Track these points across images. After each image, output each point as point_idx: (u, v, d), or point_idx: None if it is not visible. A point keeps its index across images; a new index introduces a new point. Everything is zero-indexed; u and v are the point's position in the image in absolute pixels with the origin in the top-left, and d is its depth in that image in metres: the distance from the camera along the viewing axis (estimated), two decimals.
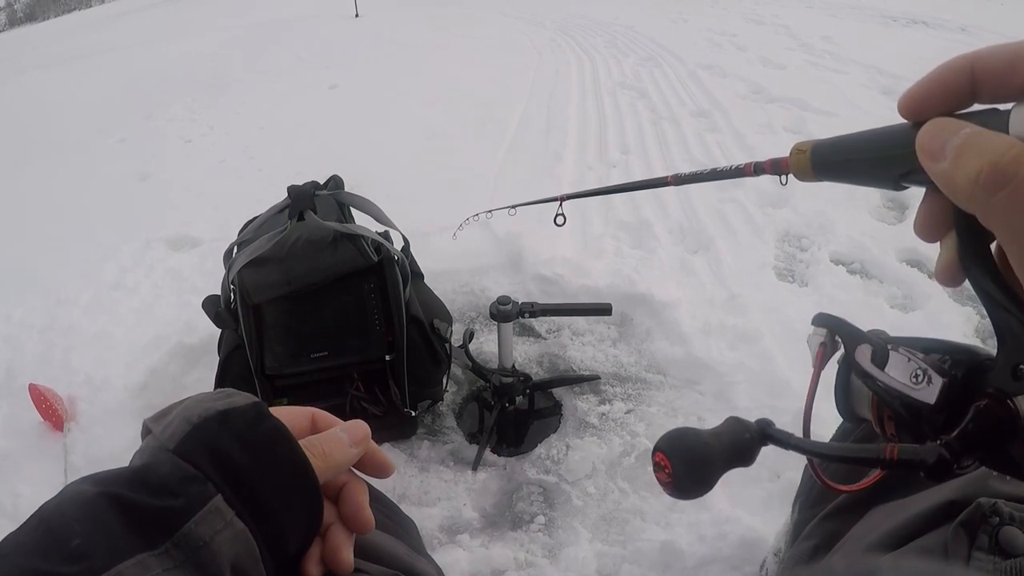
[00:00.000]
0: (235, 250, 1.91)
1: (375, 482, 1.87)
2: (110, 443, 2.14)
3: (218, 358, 1.98)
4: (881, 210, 3.26)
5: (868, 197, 3.31)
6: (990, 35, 7.58)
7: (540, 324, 2.55)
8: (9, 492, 2.04)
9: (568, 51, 7.57)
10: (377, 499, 0.87)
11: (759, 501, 1.84)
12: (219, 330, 2.02)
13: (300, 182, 2.02)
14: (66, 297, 2.90)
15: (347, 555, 0.53)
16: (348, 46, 8.96)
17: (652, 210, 3.29)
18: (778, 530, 1.24)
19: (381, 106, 5.49)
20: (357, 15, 12.31)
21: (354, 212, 2.07)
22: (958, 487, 0.63)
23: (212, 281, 2.01)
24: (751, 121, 4.44)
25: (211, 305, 1.87)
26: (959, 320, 2.48)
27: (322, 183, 2.07)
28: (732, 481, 1.88)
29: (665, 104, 5.05)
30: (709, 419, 2.13)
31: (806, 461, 0.96)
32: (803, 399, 2.04)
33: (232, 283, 1.81)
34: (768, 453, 1.71)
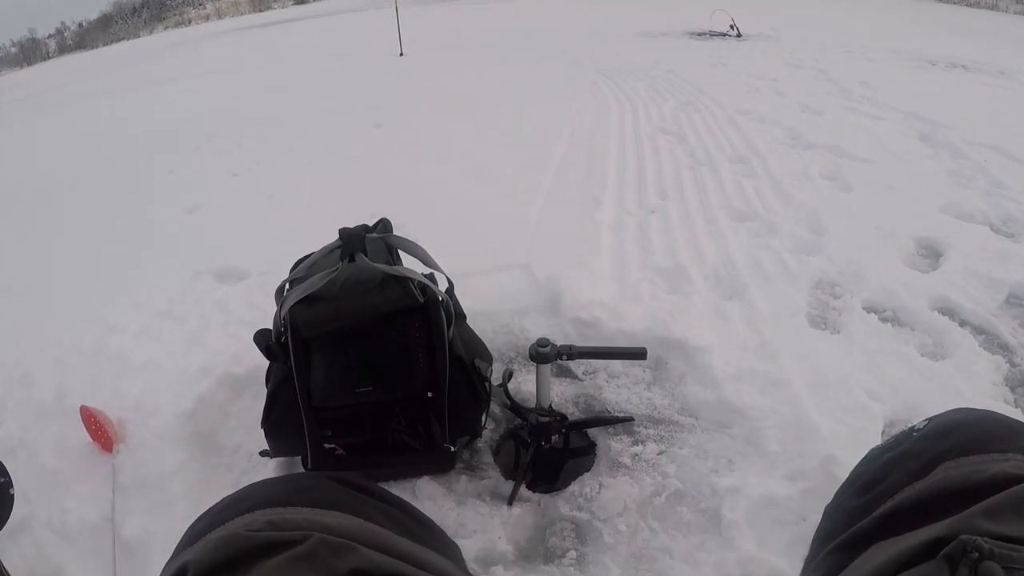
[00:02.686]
0: (287, 287, 2.02)
1: (421, 506, 1.96)
2: (158, 466, 2.24)
3: (264, 389, 2.08)
4: (915, 258, 3.30)
5: (902, 244, 3.35)
6: None
7: (577, 366, 2.62)
8: (58, 508, 2.14)
9: (609, 94, 7.68)
10: (421, 521, 0.95)
11: (785, 543, 1.89)
12: (267, 362, 2.11)
13: (345, 218, 2.12)
14: (116, 325, 3.01)
15: None
16: (393, 85, 9.13)
17: (688, 255, 3.36)
18: None
19: (424, 145, 5.61)
20: (401, 54, 12.53)
21: (402, 254, 2.17)
22: (946, 525, 0.70)
23: (259, 314, 2.07)
24: (788, 168, 4.51)
25: (262, 339, 1.98)
26: (988, 369, 2.51)
27: (371, 225, 2.18)
28: (758, 523, 1.95)
29: (704, 149, 5.13)
30: (739, 462, 2.18)
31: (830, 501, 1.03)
32: (831, 445, 2.09)
33: (284, 318, 1.91)
34: (795, 496, 1.78)
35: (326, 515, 0.78)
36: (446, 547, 0.94)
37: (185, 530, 0.81)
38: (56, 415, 2.49)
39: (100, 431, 2.30)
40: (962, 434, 0.85)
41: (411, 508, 0.94)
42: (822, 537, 0.96)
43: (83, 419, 2.31)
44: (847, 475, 1.03)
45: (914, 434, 0.91)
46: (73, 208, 4.96)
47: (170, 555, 0.78)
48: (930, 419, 0.94)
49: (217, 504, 0.81)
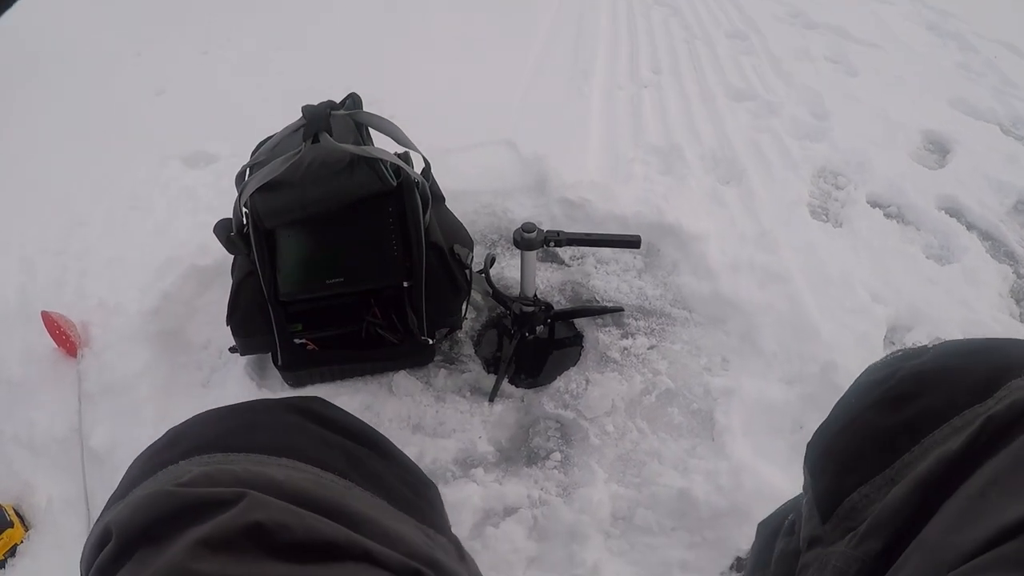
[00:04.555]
0: (247, 172, 1.82)
1: (398, 403, 1.82)
2: (123, 369, 2.09)
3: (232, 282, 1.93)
4: (922, 152, 3.14)
5: (909, 137, 3.18)
6: None
7: (564, 251, 2.47)
8: (24, 420, 2.01)
9: None
10: (402, 464, 0.80)
11: (779, 452, 1.81)
12: None
13: (320, 98, 1.92)
14: (81, 218, 2.79)
15: None
16: None
17: (684, 135, 3.17)
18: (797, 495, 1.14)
19: (402, 19, 5.29)
20: None
21: (373, 133, 1.97)
22: None
23: (227, 200, 1.92)
24: (788, 46, 4.25)
25: (223, 230, 1.79)
26: (995, 278, 2.41)
27: (339, 102, 1.96)
28: (753, 429, 1.86)
29: (699, 23, 4.85)
30: (734, 360, 2.07)
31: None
32: (832, 349, 1.99)
33: (244, 207, 1.73)
34: (792, 401, 1.65)
35: (272, 465, 0.63)
36: (417, 493, 0.79)
37: (146, 446, 0.69)
38: (20, 321, 2.31)
39: (63, 336, 2.14)
40: (1009, 352, 0.69)
41: (381, 442, 0.78)
42: (843, 458, 0.79)
43: (45, 325, 2.15)
44: (847, 383, 0.86)
45: (931, 349, 0.75)
46: (35, 96, 4.66)
47: None
48: (939, 341, 0.78)
49: (158, 441, 0.68)
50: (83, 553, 0.61)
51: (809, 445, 0.84)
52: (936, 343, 0.77)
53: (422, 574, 0.60)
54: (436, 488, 0.86)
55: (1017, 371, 0.65)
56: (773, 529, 1.04)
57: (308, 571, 0.54)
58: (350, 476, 0.67)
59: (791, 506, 1.06)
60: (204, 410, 0.74)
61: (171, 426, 0.73)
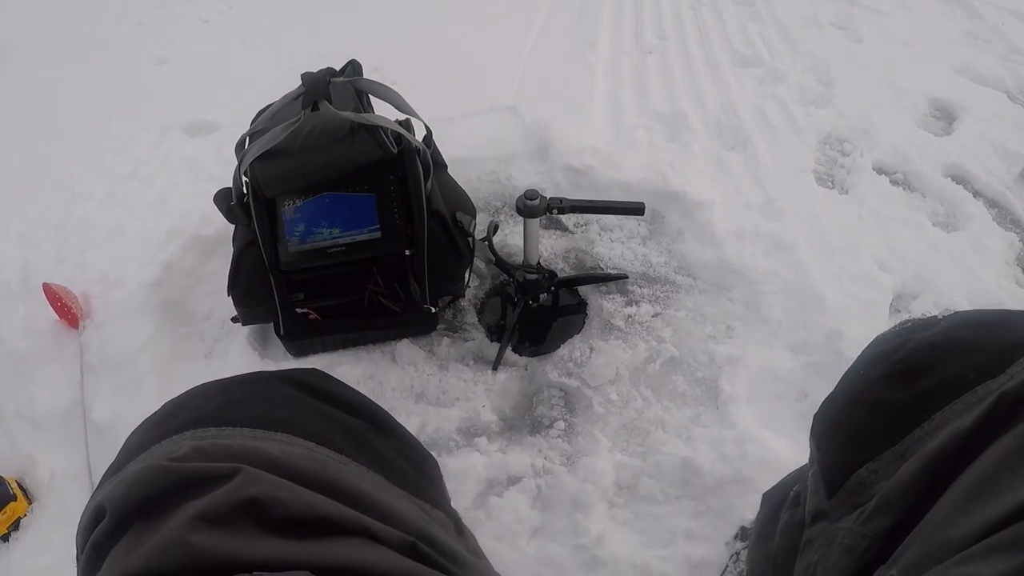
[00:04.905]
0: (247, 141, 1.80)
1: (401, 372, 1.82)
2: (124, 341, 2.08)
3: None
4: (928, 119, 3.10)
5: (915, 104, 3.14)
6: None
7: (568, 218, 2.45)
8: (27, 393, 2.01)
9: None
10: (401, 438, 0.79)
11: (785, 421, 1.80)
12: None
13: (321, 65, 1.89)
14: (82, 191, 2.76)
15: None
16: None
17: (689, 101, 3.13)
18: (802, 466, 1.12)
19: None
20: None
21: (373, 100, 1.95)
22: None
23: (228, 169, 1.90)
24: (796, 13, 4.19)
25: (223, 200, 1.77)
26: (1001, 246, 2.39)
27: (339, 69, 1.94)
28: (758, 398, 1.84)
29: None
30: (739, 328, 2.06)
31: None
32: (837, 318, 1.98)
33: (244, 176, 1.72)
34: (797, 370, 1.63)
35: (268, 440, 0.62)
36: (416, 467, 0.77)
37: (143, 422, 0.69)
38: (23, 295, 2.29)
39: (64, 308, 2.13)
40: (1022, 325, 0.68)
41: (380, 416, 0.77)
42: (850, 431, 0.77)
43: (47, 297, 2.13)
44: (853, 352, 0.84)
45: (941, 320, 0.73)
46: (35, 65, 4.60)
47: None
48: (949, 312, 0.76)
49: (154, 414, 0.67)
50: (78, 529, 0.61)
51: (816, 416, 0.82)
52: (946, 314, 0.75)
53: (417, 549, 0.59)
54: (436, 462, 0.84)
55: None
56: (778, 501, 1.04)
57: (304, 546, 0.54)
58: (347, 451, 0.66)
59: (796, 477, 1.05)
60: (204, 381, 0.73)
61: (173, 397, 0.72)
